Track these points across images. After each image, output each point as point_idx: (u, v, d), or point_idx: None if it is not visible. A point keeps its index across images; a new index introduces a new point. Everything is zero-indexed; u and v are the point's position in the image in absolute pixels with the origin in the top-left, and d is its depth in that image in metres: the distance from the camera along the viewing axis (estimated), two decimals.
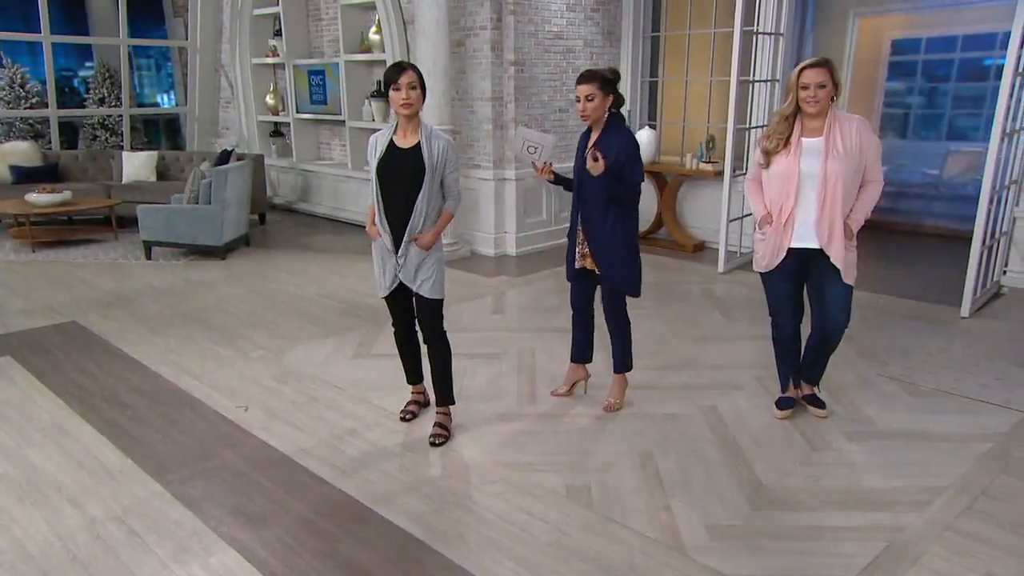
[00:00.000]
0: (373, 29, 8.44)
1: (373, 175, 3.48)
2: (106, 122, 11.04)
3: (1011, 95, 5.19)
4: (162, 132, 13.03)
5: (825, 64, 3.48)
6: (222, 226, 7.15)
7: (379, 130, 3.60)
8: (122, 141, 10.97)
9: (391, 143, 3.48)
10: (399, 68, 3.40)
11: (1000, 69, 8.61)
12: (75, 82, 12.98)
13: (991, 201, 5.35)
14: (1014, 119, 5.44)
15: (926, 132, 9.14)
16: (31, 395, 4.21)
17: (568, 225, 3.96)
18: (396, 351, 3.95)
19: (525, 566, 2.74)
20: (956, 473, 3.35)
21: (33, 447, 3.62)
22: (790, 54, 7.14)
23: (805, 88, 3.47)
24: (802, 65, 3.53)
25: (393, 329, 3.88)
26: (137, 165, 9.06)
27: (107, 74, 10.93)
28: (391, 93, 3.42)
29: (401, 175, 3.44)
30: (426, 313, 3.64)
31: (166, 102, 13.65)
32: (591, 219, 3.71)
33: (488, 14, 6.96)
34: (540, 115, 7.41)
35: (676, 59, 7.97)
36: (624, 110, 8.08)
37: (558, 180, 3.87)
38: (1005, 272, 6.09)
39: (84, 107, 11.00)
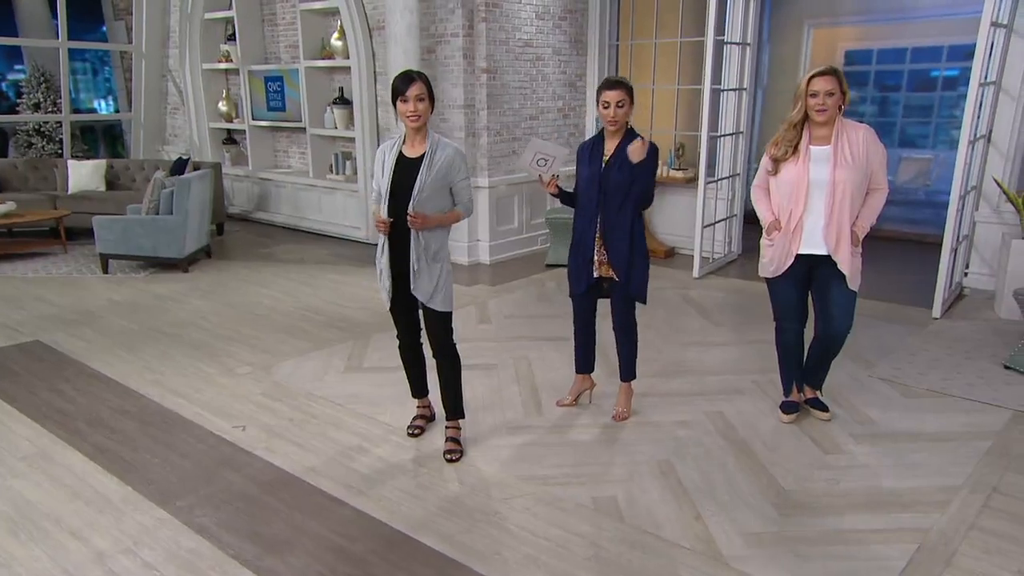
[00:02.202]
0: (335, 35, 8.26)
1: (386, 187, 3.35)
2: (42, 128, 10.49)
3: (976, 105, 5.37)
4: (100, 139, 12.47)
5: (833, 72, 3.55)
6: (185, 237, 6.86)
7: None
8: (60, 149, 10.43)
9: (400, 154, 3.39)
10: (408, 79, 3.29)
11: (947, 80, 9.07)
12: (3, 86, 12.33)
13: (960, 207, 5.56)
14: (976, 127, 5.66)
15: None
16: (4, 421, 3.92)
17: (574, 239, 3.85)
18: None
19: None
20: (965, 472, 3.44)
21: (18, 477, 3.37)
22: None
23: (814, 96, 3.53)
24: (811, 73, 3.58)
25: (398, 342, 3.76)
26: (84, 174, 8.63)
27: (42, 78, 10.39)
28: (399, 104, 3.31)
29: (412, 186, 3.33)
30: (436, 326, 3.54)
31: (103, 108, 13.09)
32: (612, 224, 3.67)
33: (460, 21, 6.89)
34: (512, 123, 7.38)
35: (639, 68, 8.04)
36: (592, 118, 8.14)
37: (562, 194, 3.82)
38: (966, 274, 6.34)
39: (16, 112, 10.43)
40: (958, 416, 4.02)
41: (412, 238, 3.34)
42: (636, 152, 3.53)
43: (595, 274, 3.80)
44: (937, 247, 5.81)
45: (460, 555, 2.84)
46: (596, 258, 3.77)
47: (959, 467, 3.48)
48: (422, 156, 3.34)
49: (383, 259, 3.42)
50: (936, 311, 5.65)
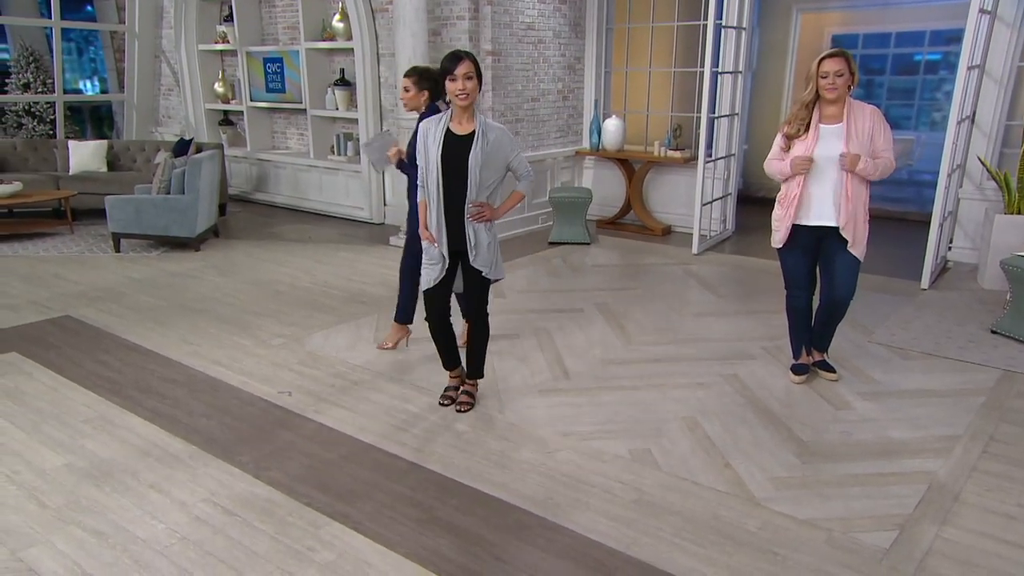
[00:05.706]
0: (337, 17, 8.37)
1: (435, 164, 3.50)
2: (32, 109, 10.45)
3: (964, 88, 5.69)
4: (87, 120, 12.42)
5: (842, 54, 3.81)
6: (196, 217, 6.98)
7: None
8: (51, 129, 10.42)
9: (448, 131, 3.55)
10: (456, 58, 3.46)
11: (929, 64, 9.44)
12: None
13: (947, 184, 5.89)
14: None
15: None
16: (58, 389, 4.09)
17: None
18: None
19: (621, 522, 2.95)
20: (964, 423, 3.76)
21: (87, 438, 3.55)
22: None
23: (824, 76, 3.79)
24: (821, 56, 3.84)
25: (428, 323, 3.87)
26: (85, 155, 8.68)
27: (30, 57, 10.34)
28: (447, 83, 3.47)
29: (463, 162, 3.48)
30: (480, 290, 3.74)
31: (88, 88, 12.99)
32: None
33: (466, 4, 7.06)
34: (515, 104, 7.58)
35: (635, 51, 8.27)
36: (589, 99, 8.31)
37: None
38: (950, 248, 6.70)
39: (3, 92, 10.36)
40: (953, 375, 4.35)
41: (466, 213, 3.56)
42: None
43: None
44: (919, 224, 6.16)
45: (516, 500, 3.09)
46: None
47: (958, 419, 3.81)
48: (472, 133, 3.51)
49: (443, 240, 3.59)
50: (924, 282, 6.00)
